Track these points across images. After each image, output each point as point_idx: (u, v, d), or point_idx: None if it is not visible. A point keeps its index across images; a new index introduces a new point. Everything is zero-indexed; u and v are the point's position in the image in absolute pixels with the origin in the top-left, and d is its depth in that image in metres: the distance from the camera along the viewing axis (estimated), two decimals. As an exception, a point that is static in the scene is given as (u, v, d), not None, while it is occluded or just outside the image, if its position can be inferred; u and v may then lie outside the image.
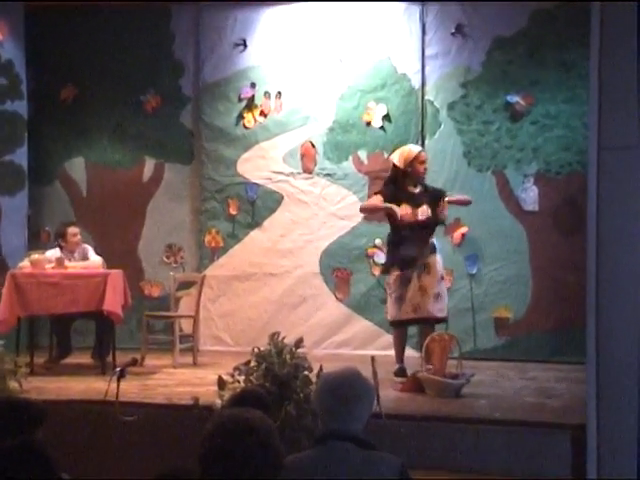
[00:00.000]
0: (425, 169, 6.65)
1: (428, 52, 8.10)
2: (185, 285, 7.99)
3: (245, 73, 8.51)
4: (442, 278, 6.55)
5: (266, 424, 2.37)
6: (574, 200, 7.56)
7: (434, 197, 6.59)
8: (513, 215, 7.84)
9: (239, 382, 5.08)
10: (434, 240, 6.65)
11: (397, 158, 6.62)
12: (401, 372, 6.49)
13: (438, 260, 6.55)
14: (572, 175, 7.67)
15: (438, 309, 6.46)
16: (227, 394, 4.82)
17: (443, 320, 6.57)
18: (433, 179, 7.99)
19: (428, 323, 6.52)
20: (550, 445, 4.98)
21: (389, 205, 6.47)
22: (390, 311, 6.58)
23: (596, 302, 4.50)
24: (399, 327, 6.64)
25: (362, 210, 6.83)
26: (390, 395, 5.83)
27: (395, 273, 6.47)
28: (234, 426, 2.31)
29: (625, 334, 4.45)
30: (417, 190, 6.60)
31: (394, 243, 6.57)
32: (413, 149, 6.72)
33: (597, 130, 4.51)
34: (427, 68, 8.11)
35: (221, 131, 8.53)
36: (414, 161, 6.56)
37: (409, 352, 7.95)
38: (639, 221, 4.43)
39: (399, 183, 6.57)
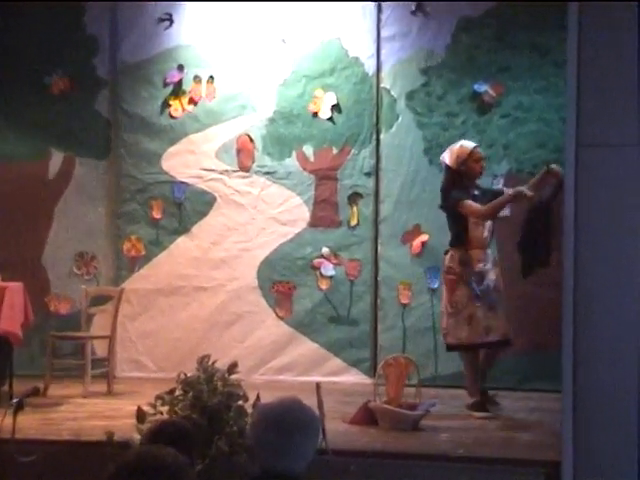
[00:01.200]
0: (482, 167, 6.70)
1: (384, 33, 8.16)
2: (99, 300, 7.93)
3: (171, 53, 8.47)
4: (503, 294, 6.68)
5: (178, 462, 2.35)
6: (550, 204, 7.65)
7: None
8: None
9: (162, 414, 5.04)
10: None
11: (448, 157, 6.66)
12: (480, 406, 6.48)
13: (500, 274, 6.67)
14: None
15: (511, 330, 6.60)
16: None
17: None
18: (390, 179, 8.08)
19: (498, 347, 6.63)
20: (521, 485, 5.03)
21: (517, 189, 6.44)
22: (456, 333, 6.56)
23: (573, 322, 4.56)
24: (470, 351, 6.64)
25: (489, 215, 6.59)
26: (338, 428, 5.84)
27: (463, 289, 6.51)
28: (139, 465, 2.29)
29: (606, 359, 4.52)
30: (477, 192, 6.65)
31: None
32: (466, 145, 6.72)
33: (575, 125, 4.58)
34: (383, 51, 8.16)
35: (143, 121, 8.47)
36: (468, 159, 6.60)
37: (359, 378, 7.97)
38: (622, 229, 4.50)
39: (459, 186, 6.58)
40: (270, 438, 2.82)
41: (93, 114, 8.53)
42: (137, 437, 4.90)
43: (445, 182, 6.74)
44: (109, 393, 7.38)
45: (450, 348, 6.70)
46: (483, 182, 6.97)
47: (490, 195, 6.73)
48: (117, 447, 4.99)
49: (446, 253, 6.70)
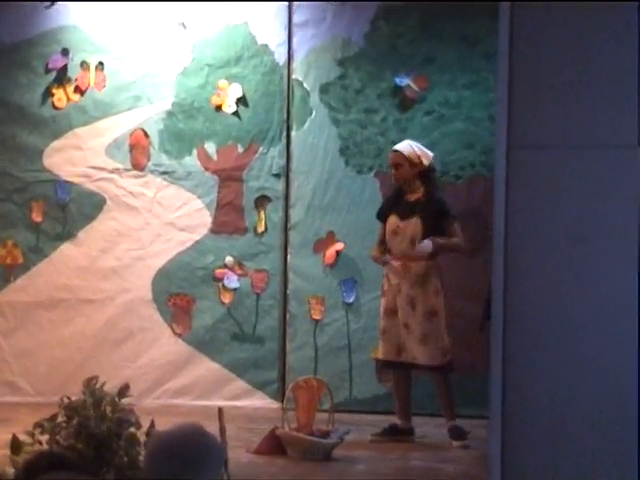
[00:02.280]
0: (393, 175, 6.87)
1: (296, 19, 8.20)
2: (-31, 315, 7.79)
3: (54, 35, 8.38)
4: (434, 314, 6.65)
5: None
6: (477, 211, 7.77)
7: (437, 213, 6.72)
8: (401, 229, 8.00)
9: (41, 444, 4.96)
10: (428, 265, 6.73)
11: None
12: (391, 431, 6.68)
13: (430, 291, 6.67)
14: (475, 179, 7.89)
15: (425, 354, 6.60)
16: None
17: (436, 369, 6.68)
18: (301, 181, 8.10)
19: (420, 370, 6.75)
20: (445, 521, 5.08)
21: (377, 256, 6.88)
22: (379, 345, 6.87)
23: (503, 341, 4.61)
24: (395, 370, 6.83)
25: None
26: (241, 458, 5.85)
27: (382, 301, 6.76)
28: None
29: (538, 382, 4.58)
30: (414, 197, 6.75)
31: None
32: (395, 147, 6.98)
33: (506, 124, 4.64)
34: (295, 39, 8.20)
35: (21, 111, 8.36)
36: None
37: (265, 402, 7.97)
38: (556, 236, 4.58)
39: (398, 193, 6.90)
40: (168, 469, 2.80)
41: (-38, 103, 8.39)
42: (11, 471, 4.80)
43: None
44: (-21, 421, 7.25)
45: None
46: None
47: (437, 206, 6.77)
48: (-12, 482, 4.89)
49: None
